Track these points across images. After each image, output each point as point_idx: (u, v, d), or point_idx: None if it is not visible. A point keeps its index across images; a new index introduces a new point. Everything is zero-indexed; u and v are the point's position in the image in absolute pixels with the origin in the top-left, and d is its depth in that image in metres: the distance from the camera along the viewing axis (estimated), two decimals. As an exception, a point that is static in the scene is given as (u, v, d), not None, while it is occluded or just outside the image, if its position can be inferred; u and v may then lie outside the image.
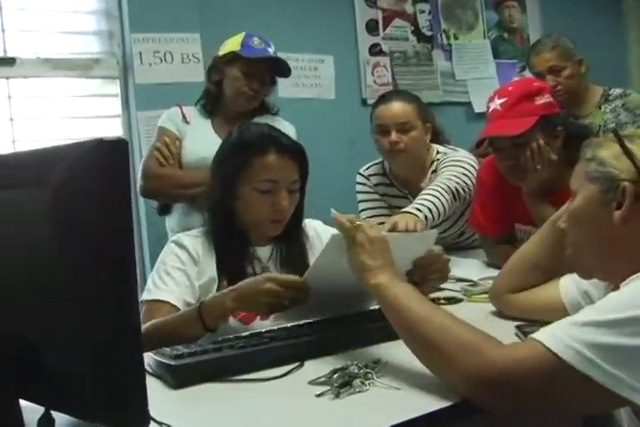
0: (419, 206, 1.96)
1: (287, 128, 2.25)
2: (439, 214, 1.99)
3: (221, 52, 2.29)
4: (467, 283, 1.82)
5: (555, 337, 0.91)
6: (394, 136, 2.19)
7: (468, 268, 2.00)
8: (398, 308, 1.06)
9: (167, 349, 1.17)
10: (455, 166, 2.17)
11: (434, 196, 2.02)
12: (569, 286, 1.34)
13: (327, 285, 1.27)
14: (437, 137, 2.38)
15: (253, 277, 1.39)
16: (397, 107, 2.21)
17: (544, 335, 0.93)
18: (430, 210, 1.97)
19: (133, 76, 2.93)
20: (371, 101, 3.34)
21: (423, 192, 2.05)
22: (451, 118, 3.23)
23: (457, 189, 2.09)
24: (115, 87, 2.98)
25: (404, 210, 1.95)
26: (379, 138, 2.24)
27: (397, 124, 2.20)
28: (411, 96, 2.30)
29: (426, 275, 1.43)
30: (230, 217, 1.57)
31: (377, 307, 1.18)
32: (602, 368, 0.87)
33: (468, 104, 3.68)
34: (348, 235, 1.19)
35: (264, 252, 1.61)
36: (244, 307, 1.33)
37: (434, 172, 2.27)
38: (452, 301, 1.68)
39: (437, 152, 2.31)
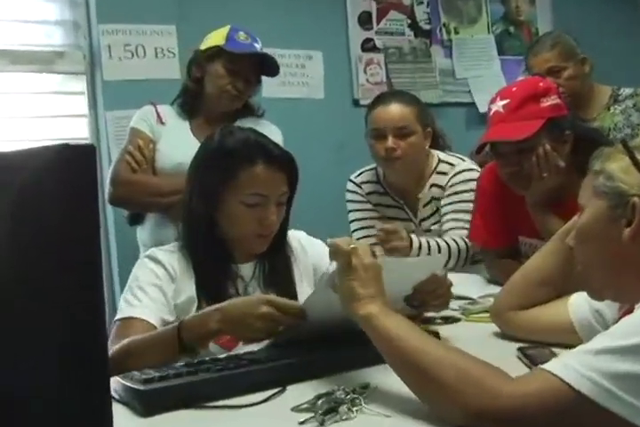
0: (416, 238, 2.08)
1: (273, 132, 2.29)
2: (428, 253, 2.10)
3: (203, 46, 2.30)
4: (465, 301, 1.84)
5: (567, 367, 0.91)
6: (390, 142, 2.22)
7: (467, 284, 2.02)
8: (389, 338, 1.07)
9: (136, 372, 1.17)
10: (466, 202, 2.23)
11: (436, 245, 2.15)
12: (579, 304, 1.35)
13: (324, 316, 1.28)
14: (437, 142, 2.40)
15: (238, 297, 1.41)
16: (395, 109, 2.24)
17: (555, 365, 0.93)
18: (426, 247, 2.09)
19: (101, 71, 2.93)
20: (363, 102, 3.38)
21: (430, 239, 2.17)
22: (450, 120, 3.25)
23: (462, 252, 2.20)
24: (80, 84, 2.97)
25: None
26: (374, 143, 2.27)
27: (395, 128, 2.22)
28: (410, 97, 2.33)
29: (427, 300, 1.45)
30: (211, 230, 1.57)
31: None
32: (622, 399, 0.87)
33: (470, 105, 3.70)
34: (343, 259, 1.20)
35: (247, 269, 1.62)
36: (232, 331, 1.33)
37: (435, 186, 2.31)
38: (449, 320, 1.70)
39: (439, 160, 2.34)
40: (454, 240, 2.23)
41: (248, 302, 1.31)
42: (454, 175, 2.29)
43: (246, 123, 2.31)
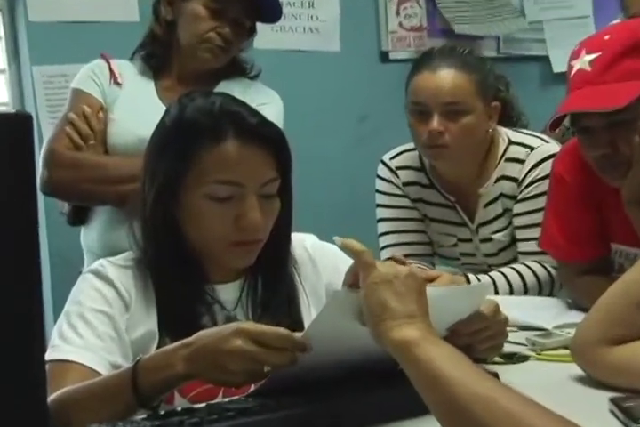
0: (483, 278, 2.14)
1: (270, 100, 2.28)
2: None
3: (176, -25, 2.33)
4: (536, 332, 1.84)
5: None
6: (436, 123, 2.22)
7: (538, 309, 2.01)
8: (435, 377, 1.08)
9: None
10: None
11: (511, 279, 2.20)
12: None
13: (335, 348, 1.29)
14: (510, 119, 2.42)
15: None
16: (445, 78, 2.25)
17: None
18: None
19: (25, 10, 2.92)
20: (394, 55, 3.40)
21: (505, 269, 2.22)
22: (516, 82, 3.22)
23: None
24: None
25: (459, 273, 2.08)
26: (414, 122, 2.28)
27: (443, 104, 2.23)
28: (471, 59, 2.33)
29: (473, 344, 1.46)
30: (176, 237, 1.57)
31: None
32: None
33: (541, 60, 3.70)
34: (364, 262, 1.22)
35: (229, 292, 1.62)
36: (203, 374, 1.32)
37: (506, 178, 2.33)
38: (513, 358, 1.70)
39: (509, 142, 2.35)
40: (531, 269, 2.25)
41: (219, 335, 1.30)
42: (535, 165, 2.30)
43: (234, 86, 2.32)
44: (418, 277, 1.22)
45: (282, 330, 1.30)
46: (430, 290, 1.26)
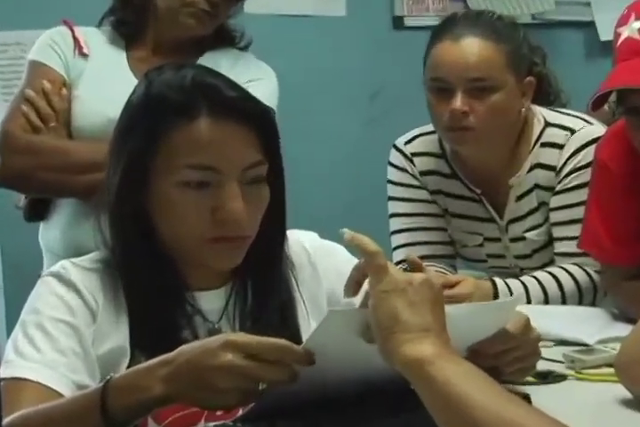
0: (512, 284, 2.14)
1: (263, 74, 2.28)
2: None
3: None
4: (575, 348, 1.84)
5: None
6: (459, 102, 2.21)
7: (577, 321, 2.02)
8: (452, 399, 1.08)
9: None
10: None
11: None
12: None
13: (338, 364, 1.29)
14: (548, 96, 2.42)
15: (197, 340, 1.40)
16: (472, 48, 2.24)
17: None
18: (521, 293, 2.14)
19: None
20: (409, 22, 3.39)
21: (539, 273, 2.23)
22: (554, 53, 3.22)
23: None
24: None
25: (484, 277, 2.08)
26: (434, 101, 2.27)
27: (468, 79, 2.22)
28: (502, 26, 2.31)
29: (499, 366, 1.46)
30: (148, 234, 1.57)
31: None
32: None
33: (585, 27, 3.70)
34: (374, 264, 1.23)
35: (212, 301, 1.62)
36: (185, 395, 1.31)
37: (541, 167, 2.33)
38: (548, 378, 1.70)
39: (546, 123, 2.34)
40: (569, 273, 2.25)
41: (205, 349, 1.29)
42: (576, 151, 2.29)
43: (220, 58, 2.32)
44: (435, 285, 1.22)
45: (278, 340, 1.29)
46: (449, 309, 1.26)
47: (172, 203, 1.53)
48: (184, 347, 1.32)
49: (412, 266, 2.08)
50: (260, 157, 1.54)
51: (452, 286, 2.11)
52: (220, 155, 1.51)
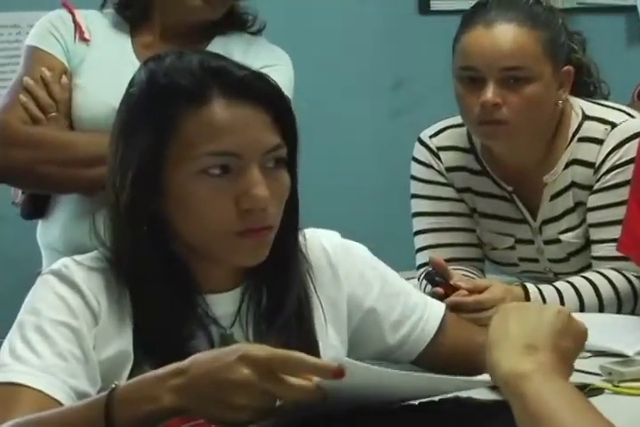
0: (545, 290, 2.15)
1: (278, 61, 2.29)
2: None
3: None
4: (613, 359, 1.83)
5: None
6: (491, 93, 2.19)
7: (616, 330, 2.01)
8: (541, 417, 1.10)
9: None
10: None
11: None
12: None
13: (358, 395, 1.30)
14: (587, 87, 2.41)
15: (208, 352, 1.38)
16: (506, 35, 2.22)
17: None
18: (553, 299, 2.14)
19: None
20: (436, 5, 3.38)
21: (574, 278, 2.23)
22: (594, 40, 3.20)
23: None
24: None
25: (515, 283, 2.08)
26: (463, 92, 2.26)
27: (501, 69, 2.20)
28: (539, 11, 2.28)
29: None
30: (157, 234, 1.57)
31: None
32: None
33: (631, 11, 3.68)
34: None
35: (225, 303, 1.63)
36: (197, 409, 1.31)
37: (578, 163, 2.32)
38: (584, 391, 1.65)
39: (584, 116, 2.33)
40: (607, 279, 2.23)
41: (221, 362, 1.28)
42: (617, 147, 2.27)
43: (232, 43, 2.32)
44: (563, 313, 1.27)
45: (299, 354, 1.28)
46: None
47: (191, 196, 1.53)
48: (198, 357, 1.33)
49: (437, 269, 2.10)
50: (279, 139, 1.55)
51: (479, 291, 2.10)
52: (239, 138, 1.52)
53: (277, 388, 1.26)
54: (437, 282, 2.10)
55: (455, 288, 2.07)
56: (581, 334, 1.30)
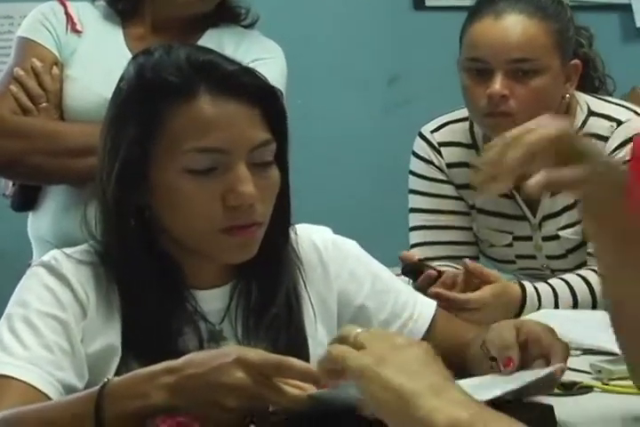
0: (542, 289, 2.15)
1: (271, 54, 2.29)
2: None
3: None
4: (603, 357, 1.85)
5: None
6: (499, 85, 2.18)
7: (606, 328, 1.97)
8: None
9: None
10: None
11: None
12: None
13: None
14: (592, 82, 2.41)
15: (198, 351, 1.41)
16: (515, 26, 2.21)
17: None
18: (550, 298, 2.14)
19: None
20: (431, 1, 3.36)
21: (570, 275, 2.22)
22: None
23: None
24: None
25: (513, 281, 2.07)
26: (469, 84, 2.25)
27: (509, 60, 2.19)
28: (549, 3, 2.28)
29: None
30: (145, 229, 1.58)
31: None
32: None
33: (621, 9, 3.70)
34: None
35: (214, 300, 1.63)
36: (189, 408, 1.32)
37: None
38: (572, 389, 1.69)
39: (589, 112, 2.33)
40: None
41: (215, 364, 1.30)
42: (621, 144, 2.26)
43: (224, 36, 2.33)
44: (414, 343, 1.17)
45: (291, 360, 1.30)
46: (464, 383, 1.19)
47: (178, 192, 1.53)
48: (193, 357, 1.34)
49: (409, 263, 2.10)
50: (267, 135, 1.55)
51: (483, 282, 2.10)
52: (225, 134, 1.51)
53: (270, 394, 1.27)
54: (415, 274, 2.10)
55: (440, 272, 2.08)
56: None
